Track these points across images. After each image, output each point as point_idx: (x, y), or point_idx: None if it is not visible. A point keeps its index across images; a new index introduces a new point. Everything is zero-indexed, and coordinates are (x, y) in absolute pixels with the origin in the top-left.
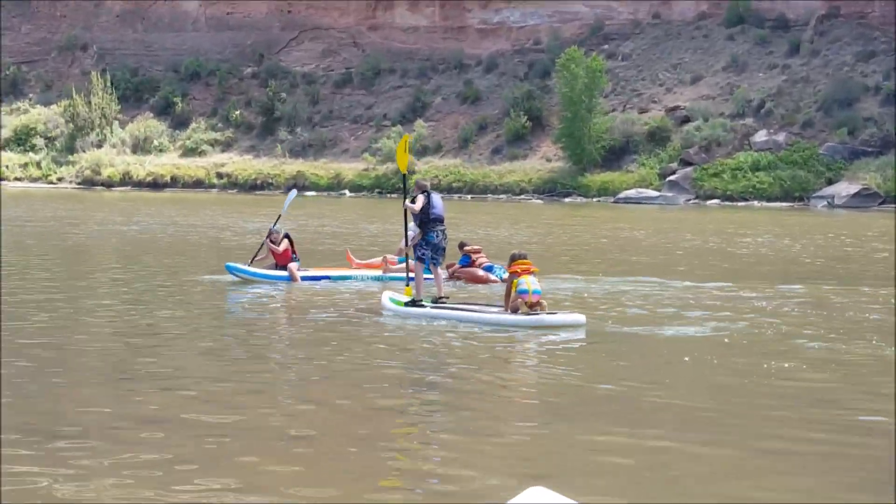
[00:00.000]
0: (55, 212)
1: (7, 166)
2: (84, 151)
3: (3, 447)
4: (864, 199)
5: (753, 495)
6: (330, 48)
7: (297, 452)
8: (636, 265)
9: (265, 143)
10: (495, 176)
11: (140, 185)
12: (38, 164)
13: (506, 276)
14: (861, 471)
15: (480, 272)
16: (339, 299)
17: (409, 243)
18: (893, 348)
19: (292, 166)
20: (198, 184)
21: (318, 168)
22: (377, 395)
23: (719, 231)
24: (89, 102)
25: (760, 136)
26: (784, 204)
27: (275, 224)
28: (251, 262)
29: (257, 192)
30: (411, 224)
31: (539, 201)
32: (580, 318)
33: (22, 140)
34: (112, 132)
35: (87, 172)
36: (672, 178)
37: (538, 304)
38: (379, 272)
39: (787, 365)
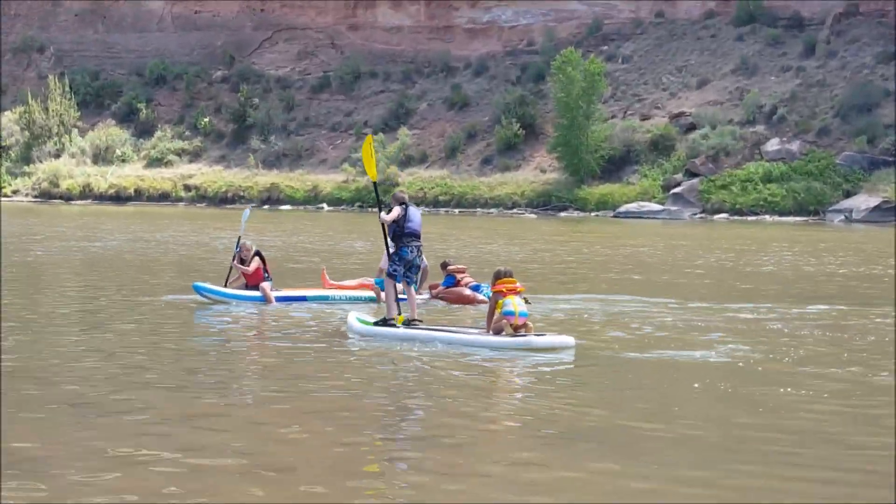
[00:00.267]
0: (11, 227)
1: None
2: (41, 162)
3: None
4: (884, 213)
5: None
6: (306, 50)
7: (261, 490)
8: (642, 284)
9: (236, 152)
10: (485, 188)
11: (101, 198)
12: None
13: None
14: None
15: (468, 291)
16: (315, 322)
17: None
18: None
19: (265, 178)
20: (163, 197)
21: (294, 180)
22: (349, 428)
23: (730, 247)
24: (46, 109)
25: (772, 145)
26: (798, 218)
27: (236, 246)
28: (226, 284)
29: (228, 206)
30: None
31: (532, 216)
32: (569, 340)
33: None
34: (71, 141)
35: (45, 184)
36: (676, 190)
37: (524, 326)
38: (360, 293)
39: (803, 392)
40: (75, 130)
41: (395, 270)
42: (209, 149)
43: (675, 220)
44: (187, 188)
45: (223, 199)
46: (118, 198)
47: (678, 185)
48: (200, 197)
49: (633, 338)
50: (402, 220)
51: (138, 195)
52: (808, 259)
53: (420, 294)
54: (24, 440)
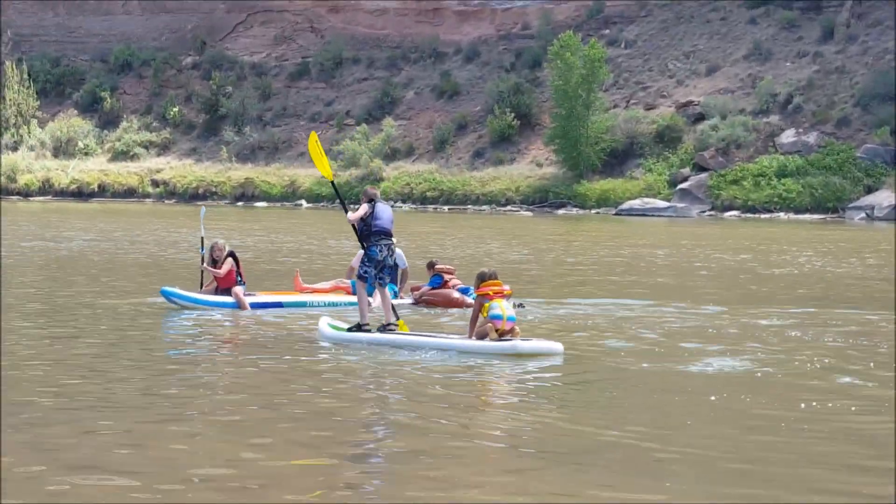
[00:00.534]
0: None
1: None
2: None
3: None
4: None
5: None
6: (283, 34)
7: None
8: (649, 287)
9: (208, 145)
10: (477, 184)
11: (62, 193)
12: None
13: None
14: None
15: (456, 294)
16: (288, 330)
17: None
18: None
19: (239, 172)
20: (129, 193)
21: (270, 174)
22: (323, 442)
23: (744, 248)
24: (2, 98)
25: (787, 137)
26: (815, 216)
27: (201, 247)
28: (201, 288)
29: (199, 203)
30: (396, 249)
31: (528, 213)
32: (557, 346)
33: None
34: (30, 132)
35: (2, 179)
36: (684, 185)
37: (511, 331)
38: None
39: (830, 405)
40: (34, 121)
41: (365, 272)
42: (179, 141)
43: (681, 218)
44: (155, 183)
45: (194, 196)
46: (80, 194)
47: (685, 180)
48: (169, 193)
49: (639, 346)
50: (369, 218)
51: (102, 191)
52: (830, 260)
53: (402, 298)
54: None
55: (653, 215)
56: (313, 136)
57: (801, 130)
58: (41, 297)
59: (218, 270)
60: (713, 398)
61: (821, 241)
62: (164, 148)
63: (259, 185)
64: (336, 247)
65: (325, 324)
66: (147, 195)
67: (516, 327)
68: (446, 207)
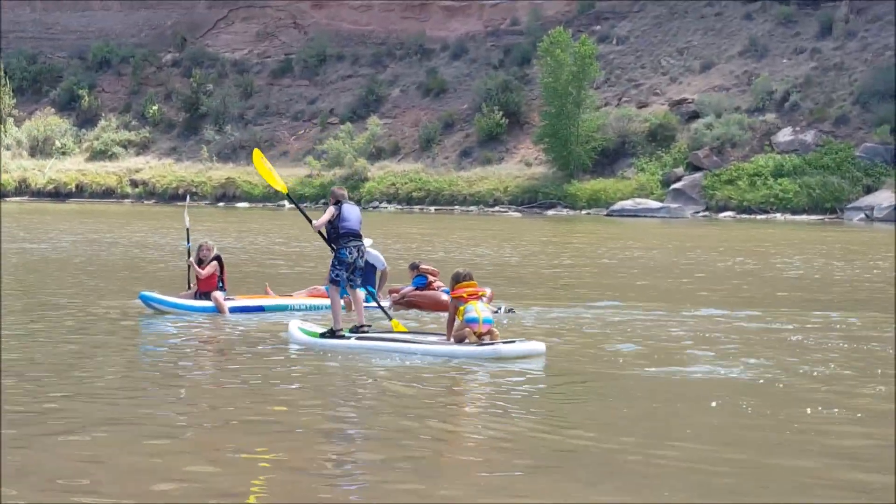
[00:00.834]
0: None
1: None
2: None
3: None
4: None
5: None
6: (266, 30)
7: None
8: (647, 290)
9: (188, 144)
10: (464, 184)
11: (39, 194)
12: None
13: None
14: None
15: (444, 296)
16: (268, 334)
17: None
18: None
19: (220, 172)
20: (108, 193)
21: (252, 175)
22: (299, 450)
23: (740, 250)
24: None
25: (784, 136)
26: (812, 217)
27: (188, 242)
28: (188, 286)
29: (179, 204)
30: (373, 251)
31: (517, 214)
32: (539, 346)
33: None
34: (5, 131)
35: None
36: (677, 185)
37: (489, 333)
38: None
39: (836, 411)
40: (10, 120)
41: (337, 275)
42: (158, 140)
43: (675, 219)
44: (134, 183)
45: (174, 196)
46: (57, 194)
47: (679, 179)
48: (149, 193)
49: (636, 350)
50: (336, 220)
51: (80, 191)
52: (830, 262)
53: (381, 299)
54: None
55: (645, 216)
56: (257, 153)
57: (798, 129)
58: (14, 300)
59: (200, 270)
60: (714, 404)
61: (819, 242)
62: (143, 147)
63: (240, 186)
64: (320, 248)
65: (295, 328)
66: (126, 196)
67: (494, 329)
68: (433, 208)
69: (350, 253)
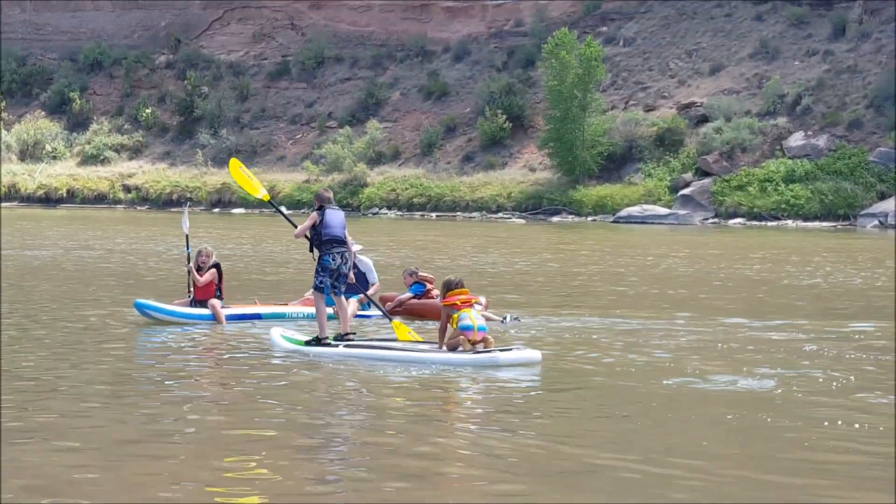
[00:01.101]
0: None
1: None
2: None
3: None
4: None
5: None
6: (262, 31)
7: None
8: (661, 299)
9: (182, 148)
10: (466, 189)
11: (29, 199)
12: None
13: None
14: None
15: None
16: (264, 342)
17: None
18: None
19: (215, 177)
20: (99, 199)
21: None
22: (290, 464)
23: (752, 257)
24: None
25: (796, 140)
26: (825, 224)
27: (187, 246)
28: (188, 290)
29: (173, 210)
30: (363, 257)
31: (520, 221)
32: (535, 354)
33: None
34: None
35: None
36: (686, 191)
37: (483, 341)
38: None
39: (857, 426)
40: None
41: (321, 282)
42: (151, 144)
43: (683, 226)
44: (127, 189)
45: (167, 202)
46: (48, 200)
47: (687, 185)
48: (142, 199)
49: (648, 361)
50: (319, 227)
51: (71, 197)
52: (845, 270)
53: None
54: None
55: (653, 223)
56: (234, 162)
57: (810, 133)
58: (8, 306)
59: (199, 277)
60: (729, 416)
61: (834, 250)
62: (136, 151)
63: (236, 191)
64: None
65: (277, 335)
66: (118, 201)
67: (488, 336)
68: (434, 214)
69: (334, 259)
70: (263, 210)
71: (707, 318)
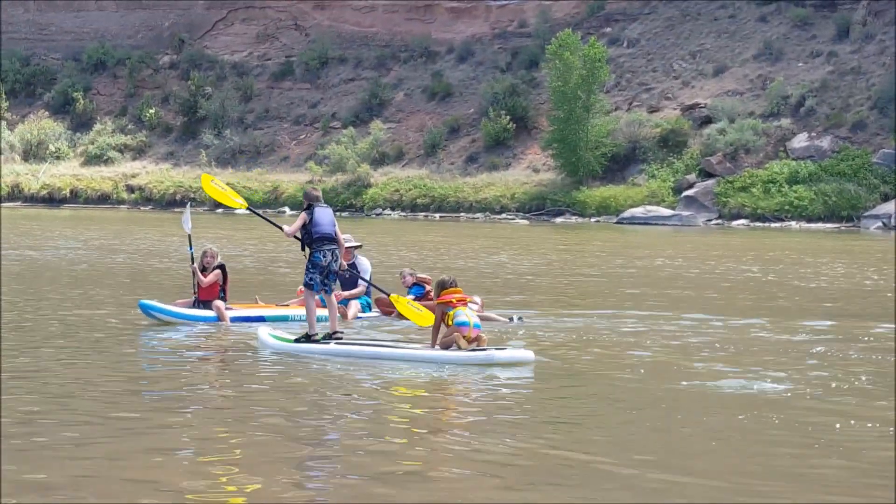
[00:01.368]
0: None
1: None
2: None
3: None
4: None
5: None
6: (266, 32)
7: None
8: (669, 299)
9: (186, 149)
10: (470, 190)
11: (32, 199)
12: None
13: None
14: None
15: None
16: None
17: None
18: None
19: (219, 177)
20: (103, 199)
21: (252, 180)
22: (285, 467)
23: (758, 258)
24: None
25: (799, 141)
26: (828, 225)
27: (190, 248)
28: (194, 291)
29: (176, 210)
30: (363, 259)
31: (524, 221)
32: (528, 354)
33: None
34: None
35: None
36: (689, 192)
37: (478, 339)
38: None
39: (869, 426)
40: (3, 123)
41: (311, 279)
42: (155, 144)
43: (687, 227)
44: (130, 189)
45: (171, 202)
46: (51, 200)
47: (691, 186)
48: (145, 199)
49: (657, 361)
50: (309, 226)
51: (74, 197)
52: (850, 271)
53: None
54: None
55: (656, 224)
56: (205, 177)
57: (813, 134)
58: (12, 307)
59: (203, 277)
60: (741, 417)
61: (839, 251)
62: (139, 152)
63: (240, 192)
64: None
65: (265, 333)
66: (122, 201)
67: (482, 335)
68: (437, 215)
69: (324, 256)
70: (266, 210)
71: (715, 319)
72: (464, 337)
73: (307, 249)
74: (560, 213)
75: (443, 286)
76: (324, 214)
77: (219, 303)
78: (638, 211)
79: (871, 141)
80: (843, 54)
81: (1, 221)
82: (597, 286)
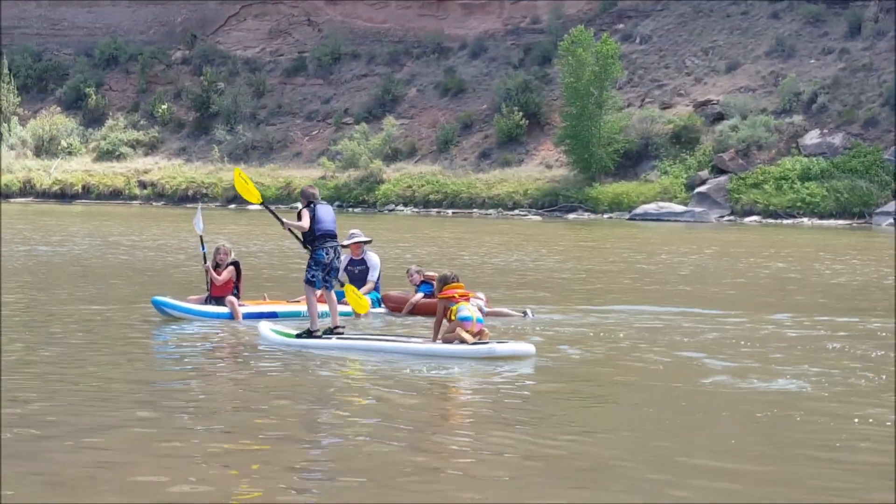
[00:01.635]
0: None
1: None
2: None
3: None
4: None
5: None
6: (279, 27)
7: None
8: (686, 296)
9: (198, 144)
10: (482, 186)
11: (44, 195)
12: None
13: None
14: None
15: None
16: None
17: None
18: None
19: (231, 174)
20: (115, 194)
21: (264, 175)
22: (290, 466)
23: (772, 254)
24: None
25: (812, 138)
26: (841, 222)
27: (202, 247)
28: (208, 288)
29: (189, 206)
30: (372, 254)
31: (537, 217)
32: (529, 347)
33: None
34: (10, 130)
35: None
36: (702, 189)
37: (480, 333)
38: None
39: (888, 423)
40: (15, 118)
41: (313, 276)
42: (167, 140)
43: (699, 224)
44: (142, 185)
45: (183, 198)
46: (63, 195)
47: (703, 183)
48: (157, 195)
49: (676, 358)
50: (311, 223)
51: (86, 192)
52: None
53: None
54: None
55: (669, 220)
56: (237, 172)
57: (825, 131)
58: (23, 303)
59: (217, 275)
60: (759, 414)
61: (853, 248)
62: (151, 147)
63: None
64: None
65: (266, 329)
66: (134, 197)
67: (485, 329)
68: (450, 211)
69: (327, 253)
70: (279, 206)
71: (735, 315)
72: (467, 331)
73: (310, 246)
74: (573, 210)
75: (444, 281)
76: (326, 212)
77: (232, 299)
78: (650, 207)
79: (883, 138)
80: (855, 51)
81: (2, 217)
82: (616, 282)
